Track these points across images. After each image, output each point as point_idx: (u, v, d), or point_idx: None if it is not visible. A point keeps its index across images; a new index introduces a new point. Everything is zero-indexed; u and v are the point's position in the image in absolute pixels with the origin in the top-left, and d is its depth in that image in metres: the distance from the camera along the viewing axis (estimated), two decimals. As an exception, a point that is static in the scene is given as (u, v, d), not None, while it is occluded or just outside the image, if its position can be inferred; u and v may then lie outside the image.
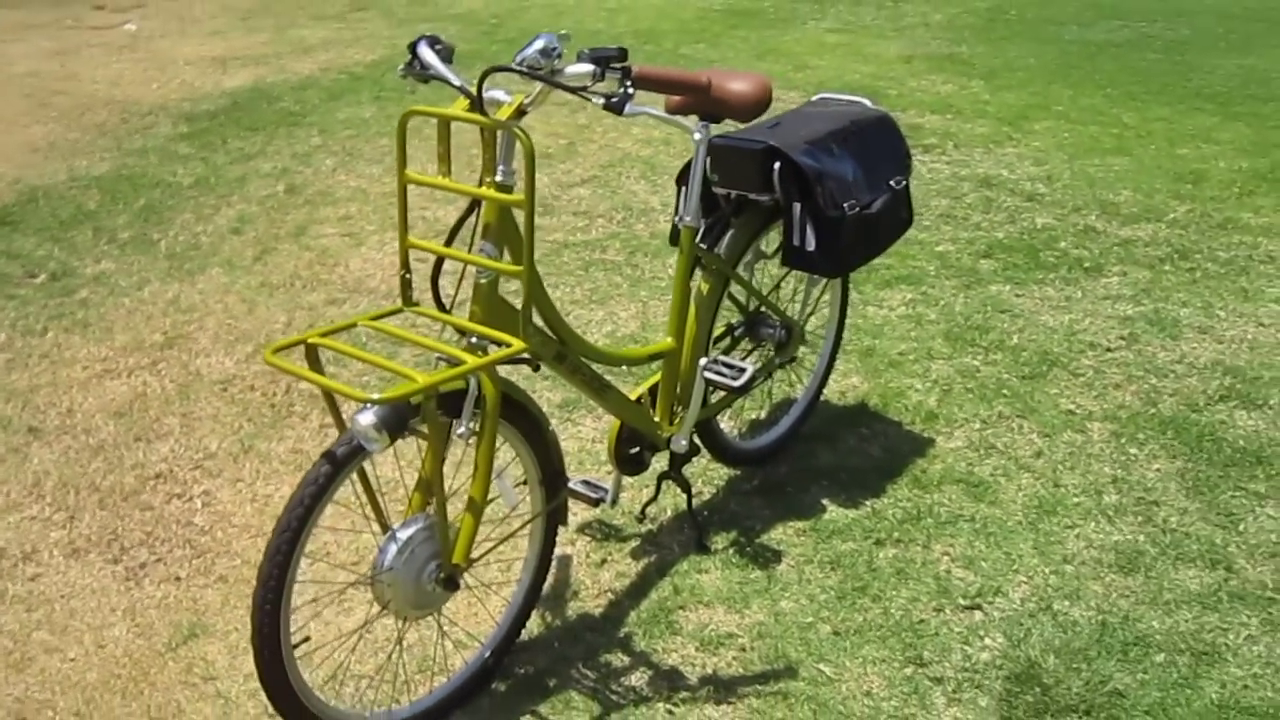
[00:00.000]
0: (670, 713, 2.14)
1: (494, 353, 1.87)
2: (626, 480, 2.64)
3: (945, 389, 3.20)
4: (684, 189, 2.53)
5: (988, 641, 2.30)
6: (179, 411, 3.18)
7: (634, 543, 2.61)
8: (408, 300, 2.01)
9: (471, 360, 1.82)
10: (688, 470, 2.64)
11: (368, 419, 1.73)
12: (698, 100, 2.25)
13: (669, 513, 2.72)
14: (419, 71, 2.00)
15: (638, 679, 2.22)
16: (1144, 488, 2.77)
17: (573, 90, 1.80)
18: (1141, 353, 3.38)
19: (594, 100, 1.80)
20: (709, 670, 2.24)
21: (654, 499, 2.67)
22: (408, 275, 2.01)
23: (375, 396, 1.70)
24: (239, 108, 6.07)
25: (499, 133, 1.89)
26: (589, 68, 1.78)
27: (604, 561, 2.55)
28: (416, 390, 1.71)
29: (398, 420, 1.75)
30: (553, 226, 4.37)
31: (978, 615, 2.37)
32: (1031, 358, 3.36)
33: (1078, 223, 4.32)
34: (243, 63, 7.04)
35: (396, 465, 2.66)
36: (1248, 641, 2.28)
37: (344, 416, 1.90)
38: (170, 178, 5.01)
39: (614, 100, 1.77)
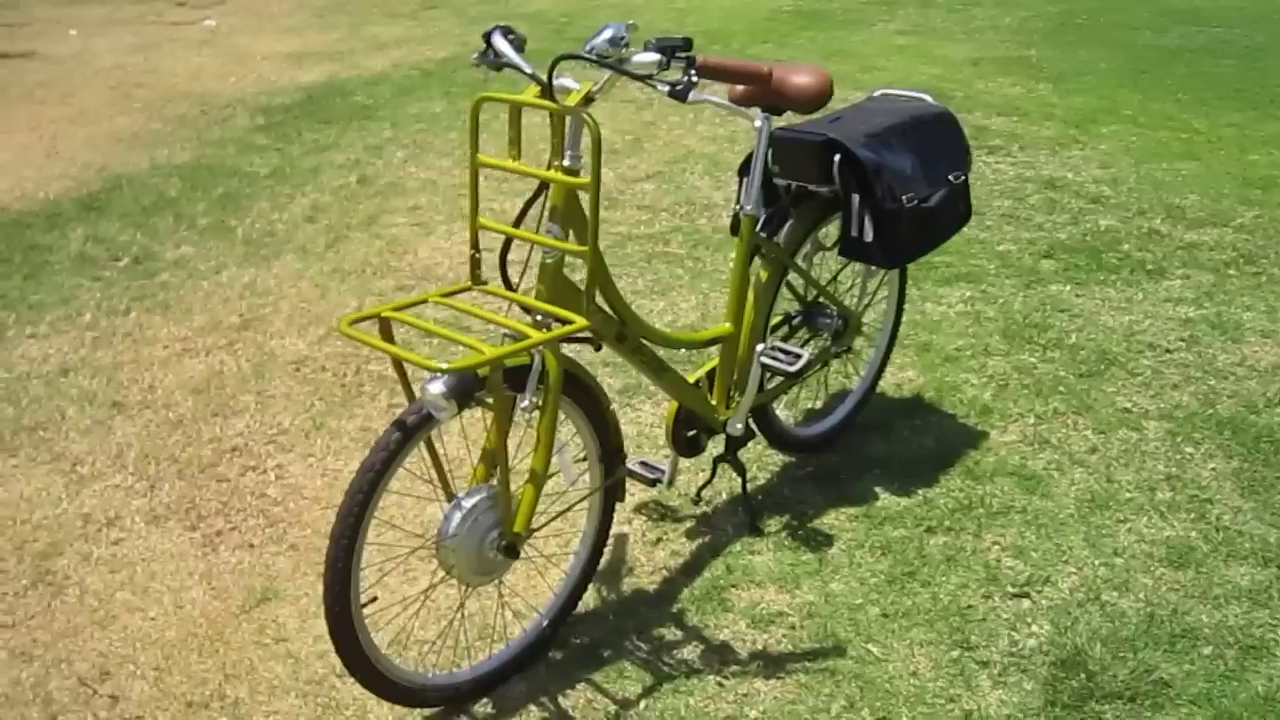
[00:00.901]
0: (720, 685, 2.20)
1: (557, 329, 1.95)
2: (683, 463, 2.70)
3: (1001, 384, 3.23)
4: (745, 179, 2.59)
5: (1035, 628, 2.33)
6: (254, 389, 3.31)
7: (689, 523, 2.68)
8: (476, 279, 2.10)
9: (536, 335, 1.90)
10: (743, 455, 2.70)
11: (437, 388, 1.81)
12: (759, 91, 2.31)
13: (723, 495, 2.78)
14: (493, 60, 2.09)
15: (689, 652, 2.29)
16: (1198, 486, 2.77)
17: (638, 78, 1.87)
18: (1201, 354, 3.37)
19: (659, 88, 1.87)
20: (759, 646, 2.30)
21: (709, 481, 2.74)
22: (477, 255, 2.10)
23: (444, 366, 1.79)
24: (313, 101, 6.24)
25: (567, 119, 1.97)
26: (655, 56, 1.85)
27: (659, 540, 2.62)
28: (484, 361, 1.80)
29: (464, 390, 1.84)
30: (617, 219, 4.45)
31: (1026, 603, 2.41)
32: (1089, 356, 3.36)
33: (1142, 225, 4.30)
34: (317, 58, 7.23)
35: (463, 438, 2.76)
36: (1298, 638, 2.29)
37: (414, 388, 2.00)
38: (247, 167, 5.18)
39: (678, 88, 1.84)
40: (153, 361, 3.48)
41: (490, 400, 1.90)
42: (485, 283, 2.10)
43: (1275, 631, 2.31)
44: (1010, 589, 2.44)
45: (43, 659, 2.32)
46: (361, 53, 7.37)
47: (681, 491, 2.78)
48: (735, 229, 2.63)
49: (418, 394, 1.89)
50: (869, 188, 2.46)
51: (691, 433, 2.56)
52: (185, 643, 2.36)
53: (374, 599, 2.00)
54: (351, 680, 2.21)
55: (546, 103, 1.94)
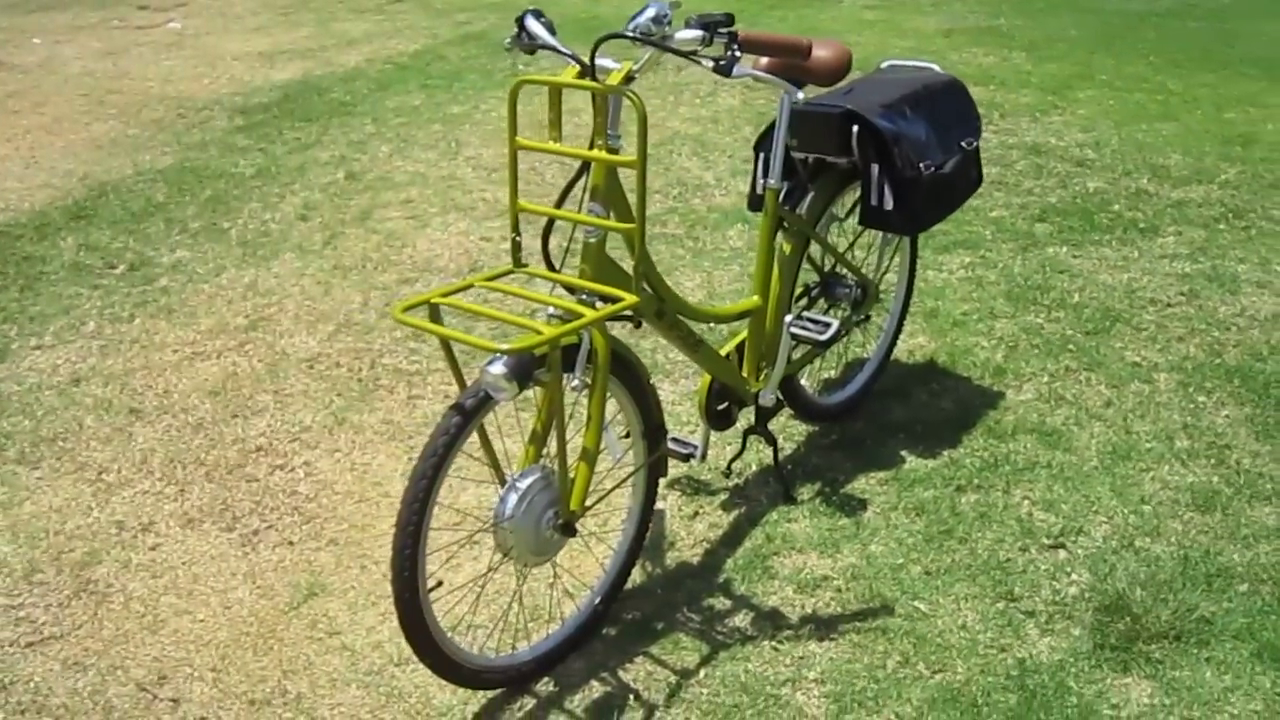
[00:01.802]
0: (776, 650, 2.24)
1: (609, 306, 1.97)
2: (713, 437, 2.73)
3: (1011, 346, 3.29)
4: (762, 155, 2.63)
5: (1074, 577, 2.39)
6: (270, 389, 3.31)
7: (723, 496, 2.72)
8: (517, 261, 2.12)
9: (589, 313, 1.92)
10: (770, 425, 2.74)
11: (497, 369, 1.83)
12: (788, 65, 2.34)
13: (754, 467, 2.82)
14: (526, 43, 2.10)
15: (741, 620, 2.33)
16: (1214, 433, 2.84)
17: (683, 54, 1.90)
18: (1202, 307, 3.45)
19: (703, 63, 1.89)
20: (808, 610, 2.34)
21: (740, 454, 2.78)
22: (518, 238, 2.11)
23: (504, 347, 1.81)
24: (290, 100, 6.20)
25: (609, 98, 1.98)
26: (698, 33, 1.88)
27: (696, 514, 2.66)
28: (543, 341, 1.82)
29: (524, 371, 1.86)
30: (611, 204, 4.46)
31: (1062, 554, 2.46)
32: (1094, 314, 3.43)
33: (1129, 186, 4.38)
34: (289, 56, 7.18)
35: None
36: (1327, 573, 2.36)
37: (463, 374, 2.01)
38: (233, 169, 5.14)
39: (722, 63, 1.87)
40: (164, 366, 3.46)
41: (548, 380, 1.92)
42: (525, 265, 2.12)
43: (1305, 567, 2.38)
44: (1045, 541, 2.50)
45: (96, 667, 2.32)
46: (333, 49, 7.32)
47: (711, 466, 2.82)
48: (754, 205, 2.66)
49: (478, 376, 1.91)
50: (889, 157, 2.50)
51: (723, 405, 2.59)
52: (238, 642, 2.36)
53: (440, 584, 2.02)
54: (410, 668, 2.25)
55: (589, 83, 1.95)
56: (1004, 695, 2.10)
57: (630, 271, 2.12)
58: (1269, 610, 2.26)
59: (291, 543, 2.66)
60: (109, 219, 4.63)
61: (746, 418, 2.70)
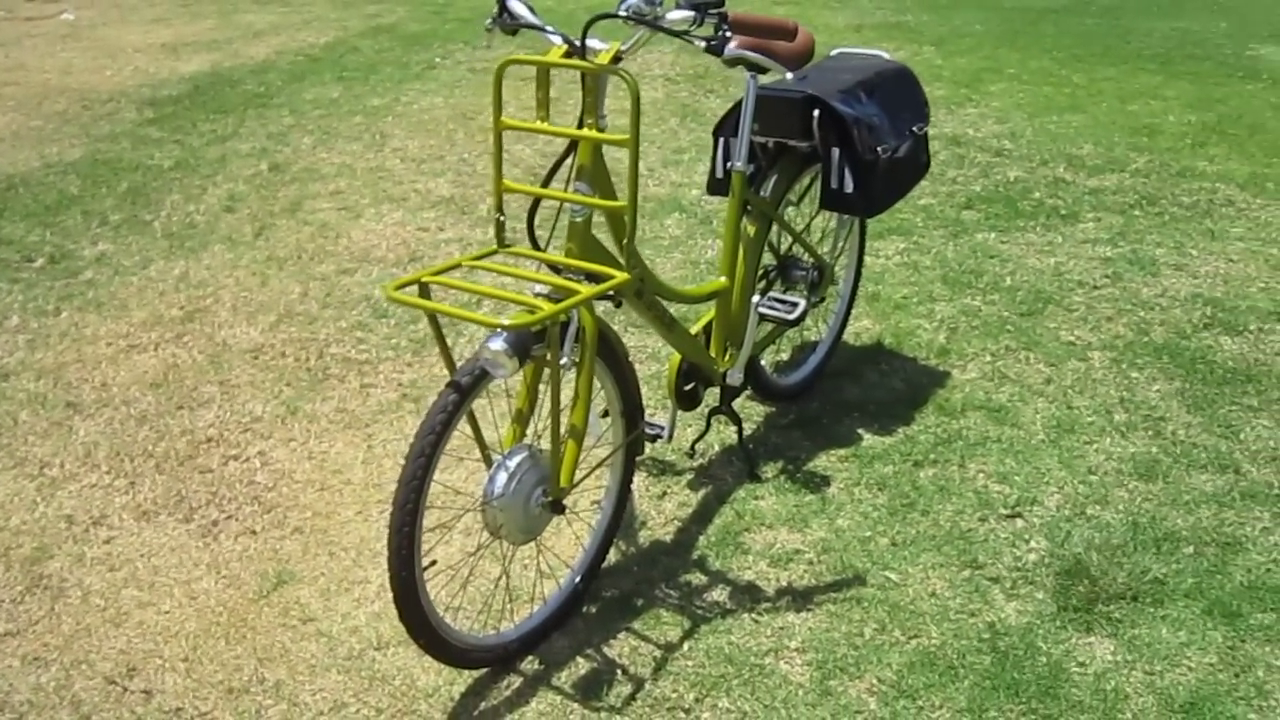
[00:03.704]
0: (756, 621, 2.29)
1: (602, 284, 1.98)
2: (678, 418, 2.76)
3: (952, 327, 3.39)
4: (723, 140, 2.67)
5: (1033, 544, 2.49)
6: (215, 380, 3.23)
7: (689, 476, 2.75)
8: (502, 242, 2.11)
9: (585, 289, 1.93)
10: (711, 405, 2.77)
11: (497, 345, 1.84)
12: (768, 46, 2.37)
13: (716, 447, 2.86)
14: (508, 23, 2.09)
15: (718, 594, 2.37)
16: (1149, 406, 2.99)
17: (674, 34, 1.92)
18: (1126, 289, 3.62)
19: (695, 43, 1.92)
20: (783, 583, 2.39)
21: (704, 434, 2.81)
22: (502, 218, 2.11)
23: (505, 322, 1.81)
24: (201, 92, 6.04)
25: (598, 78, 2.00)
26: (689, 13, 1.90)
27: (664, 494, 2.69)
28: (544, 317, 1.82)
29: (524, 346, 1.87)
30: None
31: (1019, 523, 2.56)
32: (1027, 297, 3.57)
33: (1047, 175, 4.56)
34: (194, 48, 6.99)
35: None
36: (1263, 533, 2.51)
37: (453, 355, 2.01)
38: (148, 161, 4.99)
39: (714, 43, 1.90)
40: (99, 360, 3.35)
41: (545, 356, 1.93)
42: (509, 245, 2.12)
43: (1244, 528, 2.52)
44: (1003, 511, 2.60)
45: (59, 662, 2.24)
46: (240, 41, 7.14)
47: (675, 447, 2.85)
48: (713, 189, 2.71)
49: (474, 353, 1.91)
50: (849, 141, 2.57)
51: (690, 385, 2.63)
52: (209, 632, 2.31)
53: (434, 563, 2.01)
54: (391, 652, 2.24)
55: (579, 63, 1.96)
56: (978, 657, 2.18)
57: (612, 251, 2.15)
58: (1214, 570, 2.39)
59: (254, 532, 2.61)
60: (21, 212, 4.45)
61: (710, 399, 2.74)
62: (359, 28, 7.40)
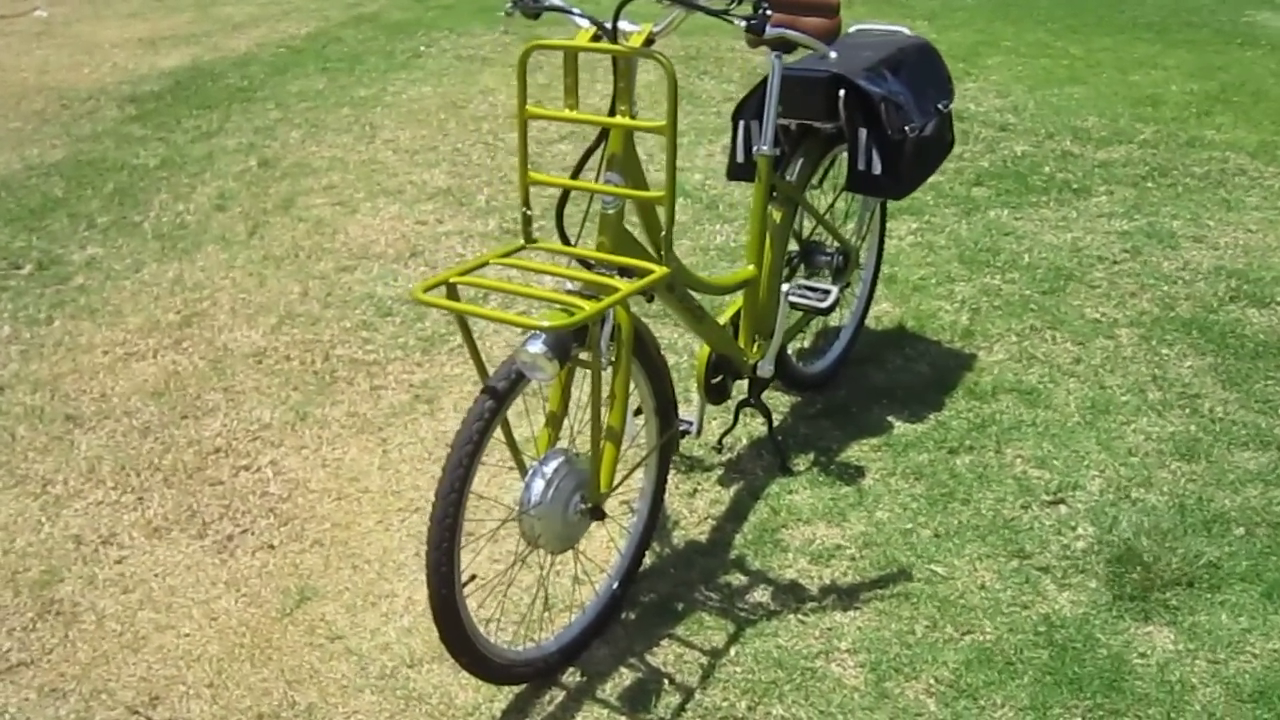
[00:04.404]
0: (802, 622, 2.21)
1: (641, 279, 1.89)
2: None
3: (974, 308, 3.32)
4: (743, 123, 2.58)
5: (1079, 531, 2.42)
6: (218, 387, 3.12)
7: (718, 471, 2.67)
8: (528, 237, 2.02)
9: (626, 285, 1.84)
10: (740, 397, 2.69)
11: (537, 347, 1.74)
12: (796, 22, 2.28)
13: (744, 440, 2.78)
14: (530, 6, 1.99)
15: (760, 595, 2.29)
16: (1183, 384, 2.92)
17: (714, 13, 1.83)
18: (1147, 263, 3.55)
19: (736, 22, 1.83)
20: (826, 580, 2.31)
21: (731, 428, 2.73)
22: (528, 212, 2.01)
23: (545, 324, 1.71)
24: (183, 87, 5.89)
25: (630, 62, 1.90)
26: (728, -9, 1.81)
27: (695, 491, 2.60)
28: (587, 316, 1.73)
29: (565, 348, 1.77)
30: (545, 183, 4.35)
31: (1063, 509, 2.49)
32: (1047, 274, 3.49)
33: (1054, 148, 4.48)
34: (173, 43, 6.82)
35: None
36: (1313, 511, 2.45)
37: (482, 357, 1.91)
38: (133, 160, 4.85)
39: (754, 22, 1.81)
40: (96, 369, 3.23)
41: (587, 357, 1.83)
42: (536, 240, 2.02)
43: (1293, 507, 2.46)
44: (1045, 497, 2.53)
45: (78, 692, 2.14)
46: (219, 34, 6.98)
47: (701, 442, 2.77)
48: (734, 174, 2.62)
49: (509, 356, 1.81)
50: (877, 120, 2.48)
51: (718, 379, 2.54)
52: (233, 654, 2.21)
53: (474, 577, 1.92)
54: (426, 669, 2.15)
55: (610, 46, 1.86)
56: (1035, 652, 2.11)
57: (643, 243, 2.06)
58: (1269, 551, 2.33)
59: (272, 546, 2.51)
60: (4, 216, 4.32)
61: (737, 391, 2.65)
62: (340, 17, 7.25)
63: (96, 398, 3.10)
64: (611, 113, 1.93)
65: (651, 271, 1.91)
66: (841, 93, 2.47)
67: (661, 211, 1.92)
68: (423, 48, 6.47)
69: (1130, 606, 2.20)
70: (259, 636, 2.25)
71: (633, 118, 1.93)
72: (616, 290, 1.84)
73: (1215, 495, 2.50)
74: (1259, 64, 5.49)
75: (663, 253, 1.93)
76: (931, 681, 2.06)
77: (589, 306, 1.74)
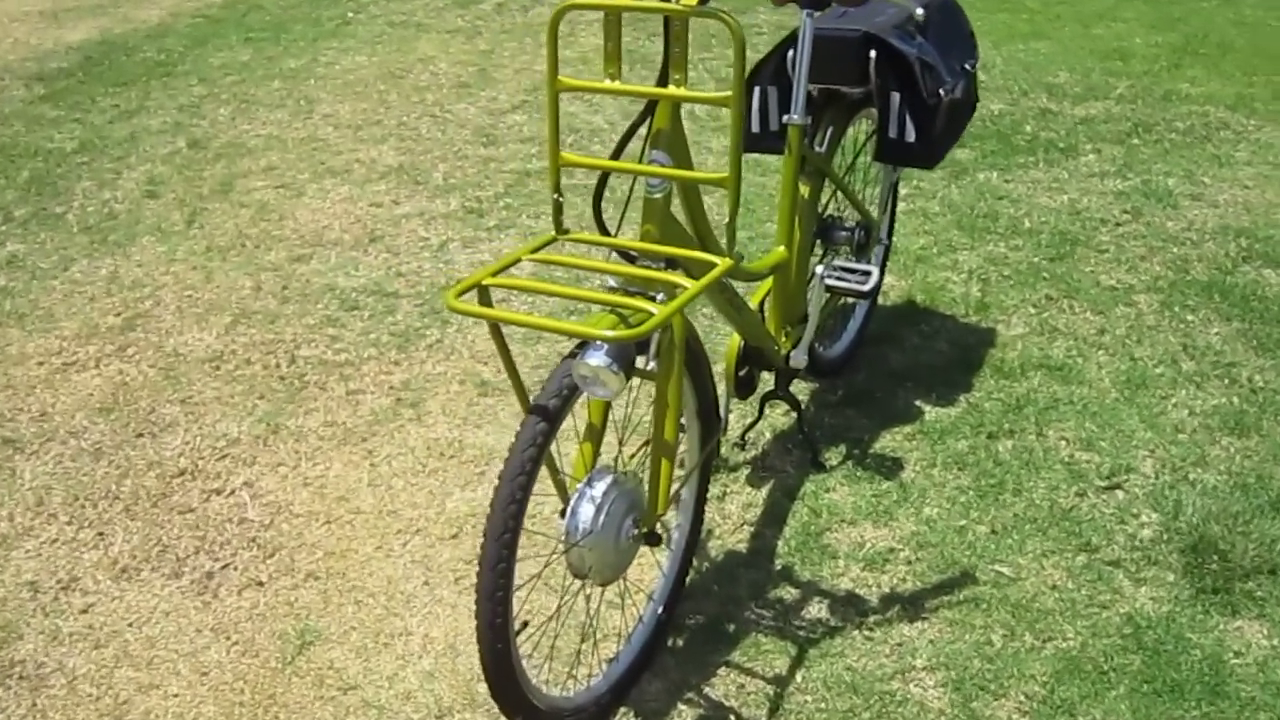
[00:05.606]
0: (868, 638, 2.01)
1: (707, 275, 1.65)
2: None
3: (983, 278, 3.15)
4: (759, 89, 2.35)
5: (1143, 518, 2.26)
6: (174, 398, 2.81)
7: (745, 470, 2.46)
8: (559, 226, 1.77)
9: (693, 284, 1.60)
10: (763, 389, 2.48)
11: (599, 359, 1.51)
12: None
13: (767, 435, 2.57)
14: (557, -39, 1.72)
15: (816, 609, 2.09)
16: (1215, 352, 2.78)
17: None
18: (1150, 224, 3.41)
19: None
20: (885, 589, 2.12)
21: (756, 421, 2.52)
22: (559, 198, 1.76)
23: (609, 334, 1.47)
24: (94, 62, 5.43)
25: (686, 23, 1.65)
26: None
27: (724, 494, 2.39)
28: (659, 321, 1.49)
29: (627, 359, 1.54)
30: (505, 156, 4.08)
31: (1120, 494, 2.33)
32: (1051, 239, 3.34)
33: (1031, 106, 4.33)
34: (78, 14, 6.32)
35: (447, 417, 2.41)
36: (1376, 484, 2.33)
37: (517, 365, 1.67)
38: (48, 144, 4.43)
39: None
40: (32, 384, 2.89)
41: (658, 368, 1.60)
42: (568, 230, 1.77)
43: (1358, 482, 2.33)
44: (1099, 482, 2.37)
45: (55, 770, 1.86)
46: (127, 4, 6.48)
47: (724, 439, 2.55)
48: (752, 145, 2.39)
49: (557, 368, 1.57)
50: (912, 83, 2.27)
51: (744, 371, 2.33)
52: (232, 715, 1.94)
53: (525, 624, 1.68)
54: (457, 719, 1.90)
55: (664, 5, 1.61)
56: (1126, 657, 1.95)
57: (689, 230, 1.83)
58: (1345, 531, 2.20)
59: (260, 583, 2.23)
60: (-95, 213, 3.89)
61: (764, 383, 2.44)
62: (253, -16, 6.80)
63: (36, 416, 2.77)
64: (662, 82, 1.68)
65: (710, 264, 1.67)
66: (873, 53, 2.25)
67: (705, 197, 1.68)
68: (350, 14, 6.08)
69: (1215, 600, 2.05)
70: (260, 693, 1.98)
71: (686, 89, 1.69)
72: (679, 287, 1.60)
73: (1275, 472, 2.37)
74: (1218, 14, 5.42)
75: (726, 241, 1.69)
76: (1022, 698, 1.88)
77: (660, 310, 1.50)
